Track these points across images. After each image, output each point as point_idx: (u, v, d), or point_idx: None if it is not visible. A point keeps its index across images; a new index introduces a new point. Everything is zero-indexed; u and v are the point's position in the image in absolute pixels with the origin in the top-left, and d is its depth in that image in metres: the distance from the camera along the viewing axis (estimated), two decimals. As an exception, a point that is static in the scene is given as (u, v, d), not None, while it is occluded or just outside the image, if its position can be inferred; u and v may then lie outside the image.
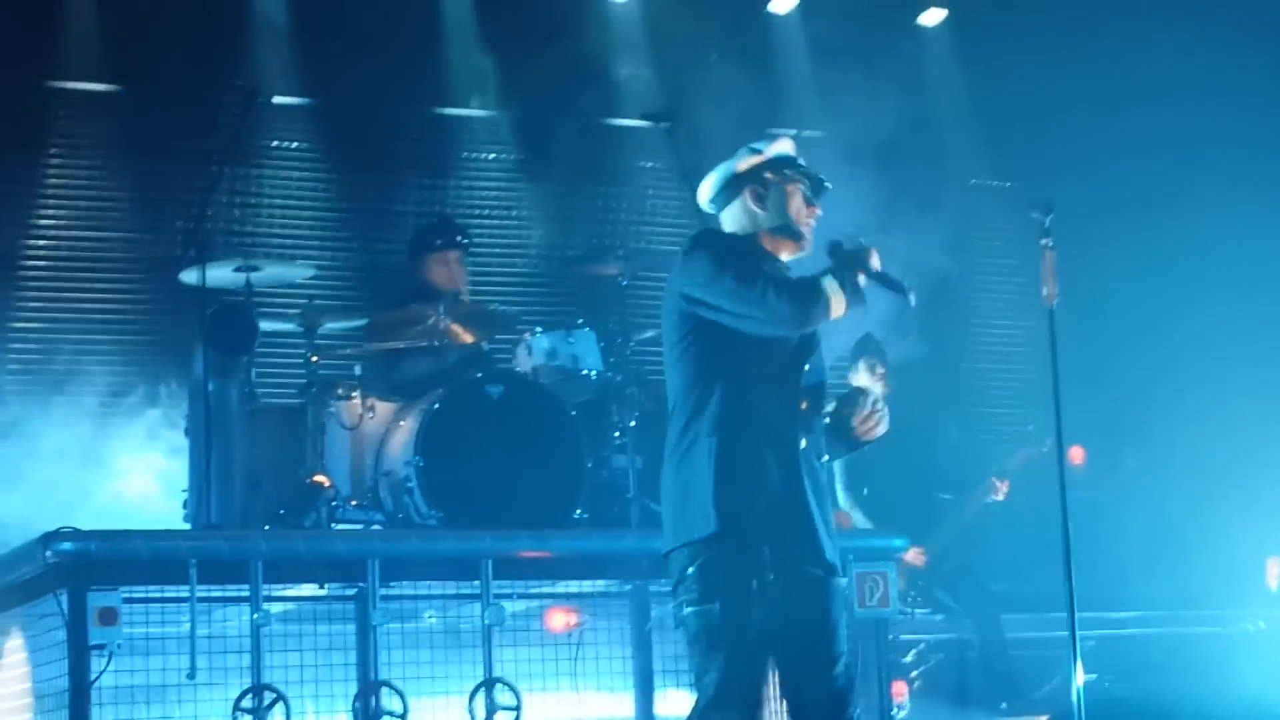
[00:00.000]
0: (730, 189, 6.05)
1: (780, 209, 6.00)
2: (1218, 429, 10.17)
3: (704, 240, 5.97)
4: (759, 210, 6.01)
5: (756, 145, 6.08)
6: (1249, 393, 10.24)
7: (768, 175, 6.01)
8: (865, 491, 9.61)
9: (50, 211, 10.13)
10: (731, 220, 6.06)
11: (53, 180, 10.14)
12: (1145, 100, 10.49)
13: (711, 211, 6.17)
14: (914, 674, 9.16)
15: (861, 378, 9.93)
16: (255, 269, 8.62)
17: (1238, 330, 10.40)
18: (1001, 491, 9.67)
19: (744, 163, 6.04)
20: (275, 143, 10.49)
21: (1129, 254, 10.68)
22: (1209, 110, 10.47)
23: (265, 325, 8.66)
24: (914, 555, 9.40)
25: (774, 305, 5.72)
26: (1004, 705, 9.10)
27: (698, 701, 5.72)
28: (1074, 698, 6.94)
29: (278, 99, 10.04)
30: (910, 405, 9.93)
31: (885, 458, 9.65)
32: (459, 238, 9.27)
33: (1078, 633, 6.85)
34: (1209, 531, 9.82)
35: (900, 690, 8.40)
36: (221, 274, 8.60)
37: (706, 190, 6.12)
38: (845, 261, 5.86)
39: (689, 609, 5.75)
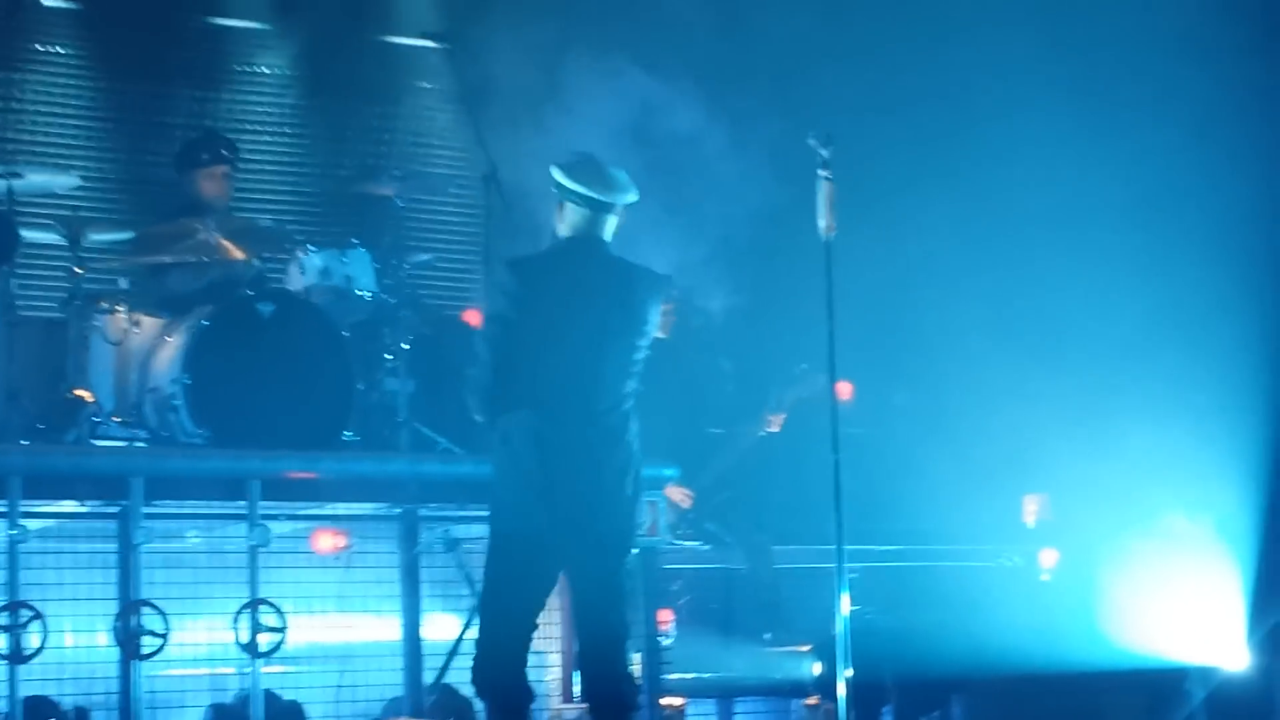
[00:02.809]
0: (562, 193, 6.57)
1: None
2: (982, 369, 10.34)
3: None
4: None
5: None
6: (1013, 334, 10.43)
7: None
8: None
9: None
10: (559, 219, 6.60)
11: None
12: (928, 38, 10.59)
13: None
14: (680, 603, 9.21)
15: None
16: (17, 176, 8.38)
17: (1007, 272, 10.57)
18: (775, 424, 9.75)
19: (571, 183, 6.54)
20: (41, 47, 10.15)
21: (900, 191, 10.78)
22: (996, 49, 10.58)
23: (26, 235, 8.41)
24: (680, 496, 9.44)
25: None
26: (768, 635, 9.20)
27: None
28: (837, 627, 7.04)
29: (45, 1, 9.73)
30: (681, 340, 10.01)
31: (656, 394, 9.71)
32: (225, 152, 9.08)
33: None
34: (970, 468, 9.99)
35: (666, 618, 8.45)
36: (-18, 180, 8.34)
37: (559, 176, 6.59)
38: None
39: None
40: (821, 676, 8.77)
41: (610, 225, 6.55)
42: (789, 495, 9.88)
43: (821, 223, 7.20)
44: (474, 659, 6.50)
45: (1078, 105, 10.64)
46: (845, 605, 7.11)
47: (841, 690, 7.02)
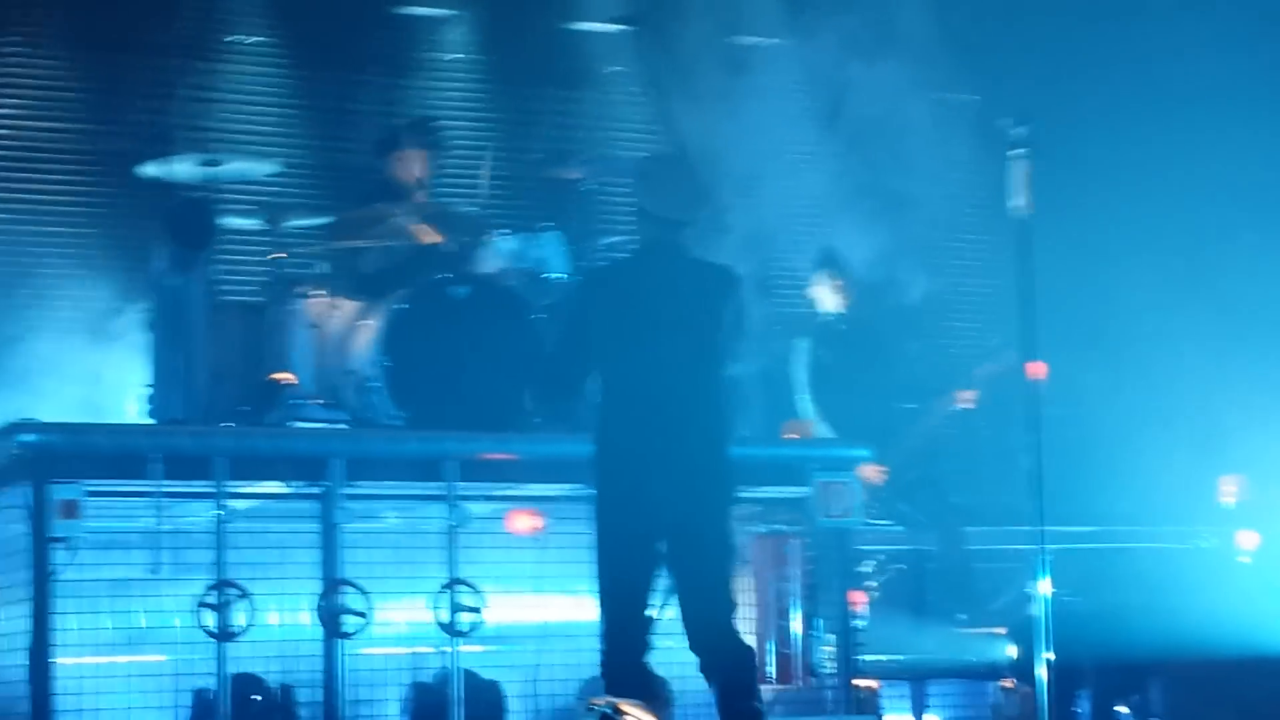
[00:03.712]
0: None
1: None
2: (1180, 348, 10.20)
3: None
4: None
5: None
6: (1213, 313, 10.27)
7: None
8: (828, 403, 9.61)
9: (8, 103, 9.98)
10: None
11: (11, 72, 9.99)
12: (1121, 13, 10.45)
13: None
14: (873, 584, 9.18)
15: (822, 290, 9.93)
16: (217, 164, 8.53)
17: (1203, 251, 10.43)
18: (968, 401, 9.69)
19: None
20: (236, 37, 10.34)
21: (1092, 171, 10.67)
22: (1194, 26, 10.43)
23: (227, 221, 8.57)
24: (874, 472, 9.41)
25: None
26: (963, 617, 9.13)
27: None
28: (1039, 610, 6.98)
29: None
30: (872, 319, 9.97)
31: (846, 369, 9.70)
32: (431, 134, 9.21)
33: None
34: (1165, 449, 9.87)
35: (859, 600, 8.42)
36: (183, 168, 8.51)
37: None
38: None
39: None
40: (1017, 659, 8.70)
41: (684, 230, 6.73)
42: (981, 475, 9.82)
43: (1018, 202, 7.15)
44: (603, 651, 6.64)
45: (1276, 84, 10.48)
46: (1044, 588, 7.06)
47: (1041, 673, 6.97)
